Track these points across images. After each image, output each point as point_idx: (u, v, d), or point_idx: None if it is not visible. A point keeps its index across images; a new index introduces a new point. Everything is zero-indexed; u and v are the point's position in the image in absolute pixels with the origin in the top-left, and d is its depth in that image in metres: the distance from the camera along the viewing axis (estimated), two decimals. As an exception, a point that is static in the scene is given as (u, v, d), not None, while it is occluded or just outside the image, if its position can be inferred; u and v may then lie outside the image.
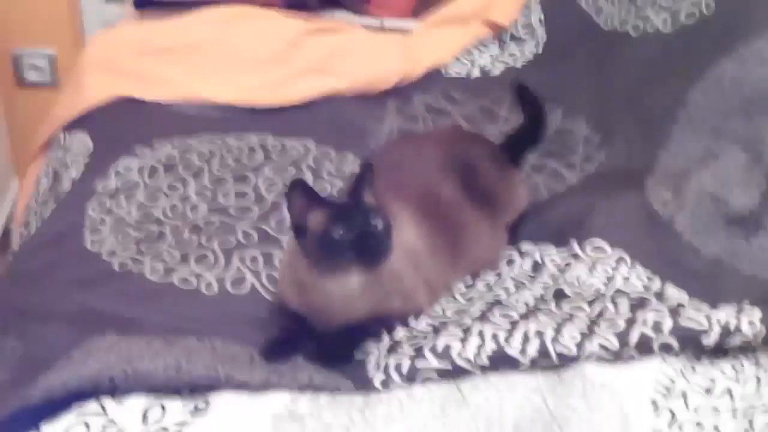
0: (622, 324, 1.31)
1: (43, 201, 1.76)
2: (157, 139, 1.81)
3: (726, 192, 1.58)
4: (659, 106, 1.69)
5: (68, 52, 2.29)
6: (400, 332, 1.34)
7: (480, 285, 1.45)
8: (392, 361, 1.27)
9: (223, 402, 1.19)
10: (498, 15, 2.17)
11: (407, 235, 1.35)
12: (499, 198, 1.55)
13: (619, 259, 1.49)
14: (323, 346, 1.32)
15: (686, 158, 1.64)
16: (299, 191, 1.26)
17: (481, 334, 1.30)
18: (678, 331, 1.30)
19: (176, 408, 1.17)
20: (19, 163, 2.29)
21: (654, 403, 1.22)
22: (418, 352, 1.28)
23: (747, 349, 1.31)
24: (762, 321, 1.31)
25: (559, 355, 1.27)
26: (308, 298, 1.31)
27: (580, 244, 1.52)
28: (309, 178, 1.73)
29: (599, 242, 1.51)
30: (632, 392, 1.24)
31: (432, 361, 1.27)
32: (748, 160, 1.60)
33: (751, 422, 1.21)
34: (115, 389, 1.18)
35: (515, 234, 1.56)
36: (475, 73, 2.08)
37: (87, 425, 1.14)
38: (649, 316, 1.32)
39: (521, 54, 2.11)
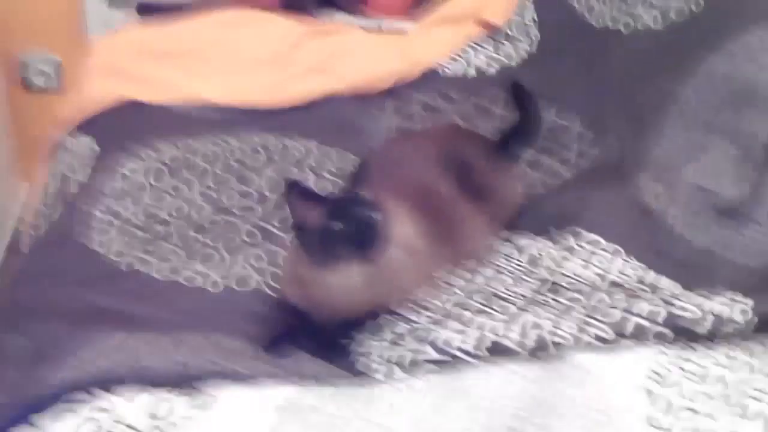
0: (617, 315, 1.34)
1: (51, 204, 1.78)
2: (162, 141, 1.83)
3: (716, 184, 1.60)
4: (651, 102, 1.71)
5: (73, 58, 2.31)
6: (402, 326, 1.36)
7: (479, 279, 1.48)
8: (394, 354, 1.31)
9: (229, 396, 1.21)
10: (492, 15, 2.18)
11: (405, 230, 1.38)
12: (495, 194, 1.57)
13: (615, 252, 1.51)
14: (322, 340, 1.35)
15: (677, 152, 1.66)
16: (296, 192, 1.29)
17: (480, 327, 1.33)
18: (672, 320, 1.33)
19: (182, 403, 1.20)
20: (27, 166, 2.31)
21: (648, 391, 1.25)
22: (419, 345, 1.32)
23: (739, 337, 1.33)
24: (754, 310, 1.33)
25: (557, 346, 1.30)
26: (309, 292, 1.33)
27: (575, 237, 1.55)
28: (310, 177, 1.75)
29: (594, 236, 1.54)
30: (627, 381, 1.26)
31: (432, 354, 1.30)
32: (738, 153, 1.62)
33: (744, 409, 1.24)
34: (123, 386, 1.20)
35: (512, 229, 1.58)
36: (471, 72, 2.10)
37: (95, 422, 1.16)
38: (643, 306, 1.35)
39: (516, 53, 2.12)
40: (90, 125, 1.91)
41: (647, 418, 1.22)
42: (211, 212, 1.66)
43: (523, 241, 1.55)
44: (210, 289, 1.49)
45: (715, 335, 1.33)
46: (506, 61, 2.11)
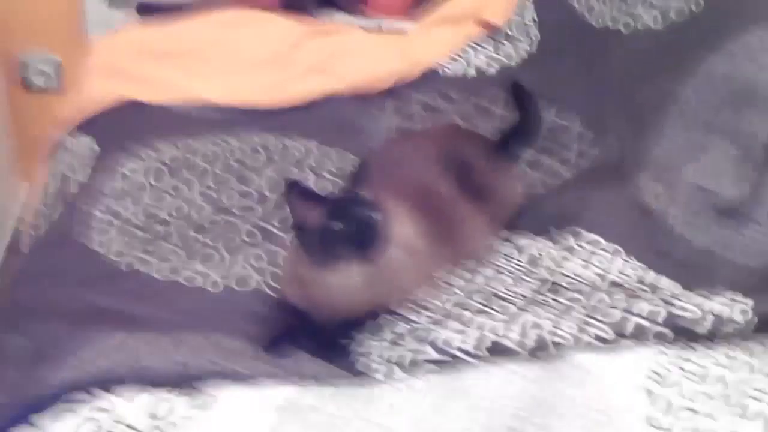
0: (617, 315, 1.34)
1: (51, 204, 1.78)
2: (162, 141, 1.83)
3: (716, 184, 1.60)
4: (651, 101, 1.71)
5: (73, 58, 2.31)
6: (402, 326, 1.37)
7: (479, 279, 1.48)
8: (394, 354, 1.31)
9: (229, 396, 1.22)
10: (492, 15, 2.19)
11: (405, 230, 1.38)
12: (495, 193, 1.57)
13: (614, 252, 1.51)
14: (322, 340, 1.35)
15: (677, 152, 1.66)
16: (296, 192, 1.29)
17: (480, 327, 1.33)
18: (672, 320, 1.33)
19: (182, 403, 1.20)
20: (27, 166, 2.31)
21: (648, 391, 1.25)
22: (419, 345, 1.32)
23: (739, 337, 1.34)
24: (754, 310, 1.34)
25: (557, 346, 1.30)
26: (309, 292, 1.34)
27: (575, 237, 1.55)
28: (310, 177, 1.76)
29: (594, 236, 1.54)
30: (627, 381, 1.26)
31: (432, 354, 1.30)
32: (738, 153, 1.63)
33: (744, 409, 1.24)
34: (123, 386, 1.20)
35: (512, 229, 1.58)
36: (471, 72, 2.10)
37: (95, 422, 1.16)
38: (643, 306, 1.35)
39: (516, 53, 2.12)
40: (90, 125, 1.91)
41: (647, 418, 1.22)
42: (211, 212, 1.66)
43: (523, 241, 1.55)
44: (210, 289, 1.50)
45: (715, 335, 1.33)
46: (506, 61, 2.11)
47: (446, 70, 2.10)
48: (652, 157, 1.67)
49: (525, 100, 1.78)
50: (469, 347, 1.30)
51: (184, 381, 1.22)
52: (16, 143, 2.64)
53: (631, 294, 1.40)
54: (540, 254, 1.52)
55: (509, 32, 2.17)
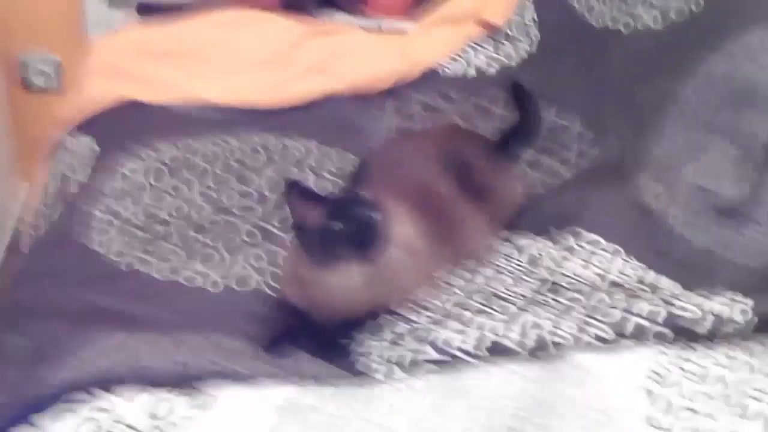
0: (617, 315, 1.34)
1: (51, 204, 1.78)
2: (162, 141, 1.83)
3: (716, 184, 1.61)
4: (651, 101, 1.71)
5: (73, 58, 2.31)
6: (402, 326, 1.37)
7: (479, 279, 1.48)
8: (394, 354, 1.31)
9: (229, 396, 1.22)
10: (492, 15, 2.19)
11: (405, 230, 1.38)
12: (495, 193, 1.57)
13: (615, 252, 1.52)
14: (322, 340, 1.35)
15: (677, 152, 1.66)
16: (296, 192, 1.29)
17: (480, 327, 1.34)
18: (672, 320, 1.33)
19: (183, 403, 1.20)
20: (27, 166, 2.32)
21: (648, 391, 1.25)
22: (419, 345, 1.32)
23: (739, 337, 1.34)
24: (754, 310, 1.34)
25: (557, 346, 1.30)
26: (309, 292, 1.34)
27: (575, 237, 1.55)
28: (310, 177, 1.76)
29: (594, 236, 1.55)
30: (627, 381, 1.27)
31: (432, 354, 1.30)
32: (738, 153, 1.63)
33: (744, 409, 1.24)
34: (123, 386, 1.20)
35: (512, 229, 1.58)
36: (471, 72, 2.10)
37: (95, 422, 1.17)
38: (643, 306, 1.35)
39: (516, 53, 2.13)
40: (90, 125, 1.92)
41: (647, 418, 1.22)
42: (211, 212, 1.66)
43: (523, 241, 1.56)
44: (210, 289, 1.50)
45: (715, 335, 1.33)
46: (506, 61, 2.12)
47: (446, 70, 2.11)
48: (652, 157, 1.67)
49: (525, 100, 1.78)
50: (469, 347, 1.30)
51: (184, 381, 1.22)
52: (16, 143, 2.64)
53: (631, 294, 1.40)
54: (540, 254, 1.52)
55: (509, 32, 2.17)
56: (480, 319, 1.36)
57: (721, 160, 1.63)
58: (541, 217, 1.59)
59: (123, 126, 1.89)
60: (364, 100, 2.00)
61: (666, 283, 1.44)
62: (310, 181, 1.74)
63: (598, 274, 1.46)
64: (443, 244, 1.44)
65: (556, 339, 1.31)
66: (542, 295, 1.42)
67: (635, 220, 1.58)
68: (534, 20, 2.17)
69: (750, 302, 1.35)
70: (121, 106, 1.94)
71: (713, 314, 1.34)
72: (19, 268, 1.64)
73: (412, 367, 1.29)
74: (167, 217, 1.65)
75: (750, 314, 1.33)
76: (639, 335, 1.32)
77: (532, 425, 1.20)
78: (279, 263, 1.52)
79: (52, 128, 2.01)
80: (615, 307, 1.35)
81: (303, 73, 2.03)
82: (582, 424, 1.20)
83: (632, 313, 1.34)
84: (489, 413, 1.22)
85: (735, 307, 1.34)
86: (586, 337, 1.31)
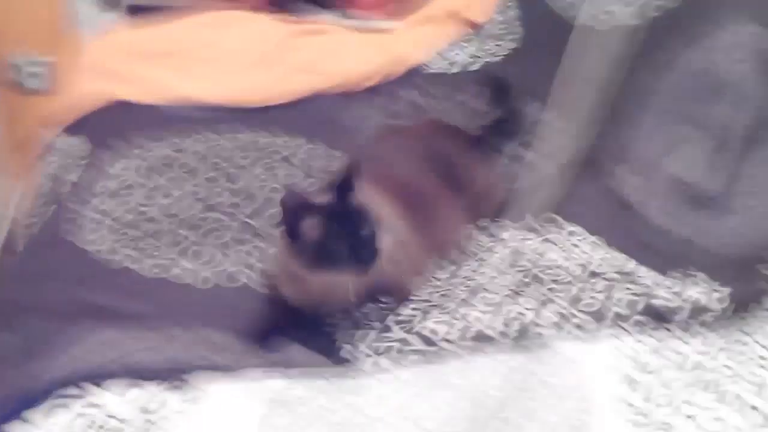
0: (598, 304, 1.37)
1: (44, 203, 1.79)
2: (152, 141, 1.85)
3: (693, 176, 1.63)
4: (629, 96, 1.74)
5: (65, 60, 2.32)
6: (389, 317, 1.39)
7: (463, 270, 1.50)
8: (381, 345, 1.34)
9: (219, 390, 1.24)
10: (475, 13, 2.21)
11: (395, 225, 1.39)
12: (478, 187, 1.59)
13: (595, 243, 1.54)
14: (312, 332, 1.37)
15: (655, 145, 1.69)
16: (292, 199, 1.29)
17: (464, 317, 1.36)
18: (651, 309, 1.36)
19: (174, 397, 1.22)
20: (20, 167, 2.32)
21: (629, 378, 1.28)
22: (406, 335, 1.35)
23: (717, 324, 1.37)
24: (731, 297, 1.36)
25: (539, 336, 1.33)
26: (303, 290, 1.34)
27: (557, 229, 1.57)
28: (298, 174, 1.78)
29: (575, 227, 1.57)
30: (608, 368, 1.29)
31: (418, 345, 1.33)
32: (715, 145, 1.66)
33: (722, 394, 1.27)
34: (114, 382, 1.22)
35: (494, 221, 1.60)
36: (455, 69, 2.13)
37: (88, 417, 1.19)
38: (623, 296, 1.38)
39: (499, 49, 2.15)
40: (81, 125, 1.93)
41: (628, 404, 1.25)
42: (200, 210, 1.68)
43: (506, 233, 1.58)
44: (200, 286, 1.52)
45: (694, 322, 1.36)
46: (489, 58, 2.14)
47: (430, 67, 2.13)
48: (630, 150, 1.70)
49: (507, 95, 1.81)
50: (453, 337, 1.33)
51: (174, 376, 1.24)
52: (9, 144, 2.64)
53: (611, 284, 1.42)
54: (522, 245, 1.54)
55: (492, 30, 2.19)
56: (464, 309, 1.38)
57: (698, 152, 1.66)
58: (524, 210, 1.61)
59: (113, 126, 1.90)
60: (350, 97, 2.01)
61: (645, 273, 1.46)
62: (298, 178, 1.76)
63: (580, 265, 1.49)
64: (427, 237, 1.46)
65: (538, 329, 1.34)
66: (525, 285, 1.44)
67: (615, 212, 1.61)
68: (516, 18, 2.19)
69: (727, 290, 1.37)
70: (112, 106, 1.95)
71: (691, 302, 1.36)
72: (11, 267, 1.65)
73: (398, 356, 1.31)
74: (157, 216, 1.66)
75: (727, 301, 1.36)
76: (619, 324, 1.34)
77: (515, 413, 1.22)
78: (268, 260, 1.54)
79: (45, 129, 2.02)
80: (595, 297, 1.38)
81: (290, 72, 2.05)
82: (564, 411, 1.23)
83: (612, 303, 1.37)
84: (473, 402, 1.24)
85: (712, 295, 1.37)
86: (567, 326, 1.34)
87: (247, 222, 1.65)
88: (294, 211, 1.28)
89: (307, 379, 1.28)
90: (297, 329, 1.38)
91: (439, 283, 1.47)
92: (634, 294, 1.38)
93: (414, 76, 2.09)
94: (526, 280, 1.45)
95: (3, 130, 2.18)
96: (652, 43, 1.74)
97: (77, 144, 1.88)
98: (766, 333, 1.36)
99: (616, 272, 1.46)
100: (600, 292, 1.40)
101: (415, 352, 1.32)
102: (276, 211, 1.62)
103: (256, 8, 2.25)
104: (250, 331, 1.37)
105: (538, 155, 1.68)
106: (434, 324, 1.36)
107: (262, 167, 1.79)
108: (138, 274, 1.53)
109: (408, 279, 1.44)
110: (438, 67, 2.13)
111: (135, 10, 2.37)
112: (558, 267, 1.48)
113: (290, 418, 1.22)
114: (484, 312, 1.37)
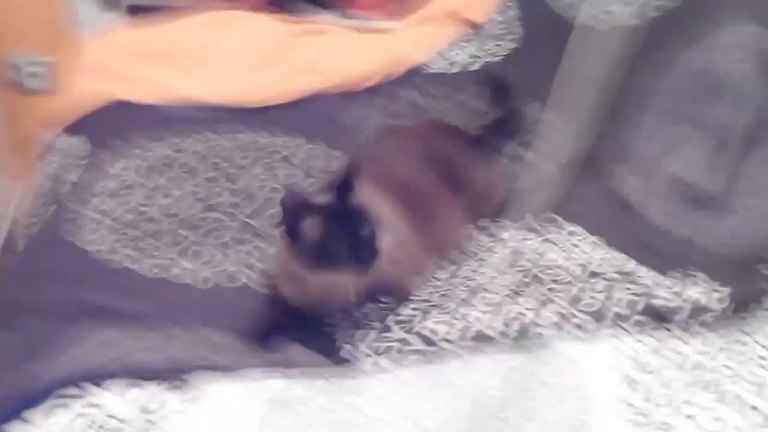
0: (598, 304, 1.37)
1: (44, 203, 1.79)
2: (152, 141, 1.85)
3: (693, 176, 1.63)
4: (630, 96, 1.74)
5: (65, 60, 2.32)
6: (389, 318, 1.39)
7: (463, 270, 1.50)
8: (381, 345, 1.34)
9: (219, 390, 1.24)
10: (475, 13, 2.22)
11: (395, 225, 1.39)
12: (478, 188, 1.59)
13: (595, 243, 1.54)
14: (312, 332, 1.37)
15: (655, 145, 1.69)
16: (292, 199, 1.29)
17: (464, 318, 1.36)
18: (651, 309, 1.36)
19: (174, 397, 1.22)
20: (20, 167, 2.32)
21: (629, 378, 1.28)
22: (406, 335, 1.35)
23: (717, 324, 1.37)
24: (731, 297, 1.36)
25: (539, 336, 1.33)
26: (303, 290, 1.34)
27: (557, 229, 1.57)
28: (298, 174, 1.78)
29: (575, 227, 1.57)
30: (608, 368, 1.30)
31: (418, 345, 1.33)
32: (715, 145, 1.66)
33: (722, 394, 1.27)
34: (114, 382, 1.22)
35: (494, 220, 1.60)
36: (455, 69, 2.13)
37: (88, 417, 1.19)
38: (623, 296, 1.38)
39: (499, 49, 2.15)
40: (81, 125, 1.93)
41: (628, 404, 1.25)
42: (200, 210, 1.68)
43: (506, 233, 1.58)
44: (200, 286, 1.52)
45: (693, 322, 1.36)
46: (489, 58, 2.14)
47: (430, 67, 2.13)
48: (630, 150, 1.70)
49: (507, 95, 1.81)
50: (453, 337, 1.33)
51: (174, 375, 1.24)
52: (9, 144, 2.64)
53: (611, 284, 1.43)
54: (522, 245, 1.54)
55: (492, 30, 2.19)
56: (464, 309, 1.38)
57: (698, 152, 1.66)
58: (524, 210, 1.61)
59: (113, 126, 1.90)
60: (350, 97, 2.02)
61: (645, 273, 1.46)
62: (298, 178, 1.76)
63: (580, 265, 1.49)
64: (427, 237, 1.46)
65: (538, 328, 1.34)
66: (525, 285, 1.44)
67: (615, 212, 1.61)
68: (516, 17, 2.19)
69: (727, 290, 1.37)
70: (112, 106, 1.96)
71: (691, 302, 1.37)
72: (11, 267, 1.65)
73: (398, 356, 1.31)
74: (157, 216, 1.66)
75: (727, 301, 1.36)
76: (619, 324, 1.34)
77: (515, 413, 1.22)
78: (268, 260, 1.54)
79: (45, 129, 2.02)
80: (595, 297, 1.38)
81: (290, 72, 2.05)
82: (564, 411, 1.23)
83: (612, 303, 1.37)
84: (473, 402, 1.24)
85: (712, 295, 1.37)
86: (567, 326, 1.34)
87: (247, 222, 1.65)
88: (294, 211, 1.28)
89: (307, 379, 1.28)
90: (297, 329, 1.38)
91: (439, 283, 1.47)
92: (634, 294, 1.38)
93: (414, 76, 2.09)
94: (526, 280, 1.45)
95: (3, 130, 2.18)
96: (652, 43, 1.75)
97: (77, 144, 1.88)
98: (766, 333, 1.36)
99: (616, 272, 1.46)
100: (600, 292, 1.40)
101: (415, 352, 1.32)
102: (276, 211, 1.62)
103: (256, 8, 2.26)
104: (250, 331, 1.37)
105: (538, 155, 1.68)
106: (434, 324, 1.36)
107: (262, 167, 1.79)
108: (138, 274, 1.53)
109: (408, 279, 1.44)
110: (438, 67, 2.13)
111: (135, 10, 2.37)
112: (558, 267, 1.48)
113: (290, 418, 1.22)
114: (484, 312, 1.37)
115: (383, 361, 1.31)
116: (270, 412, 1.22)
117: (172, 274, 1.53)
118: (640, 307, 1.36)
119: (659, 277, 1.44)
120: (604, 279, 1.44)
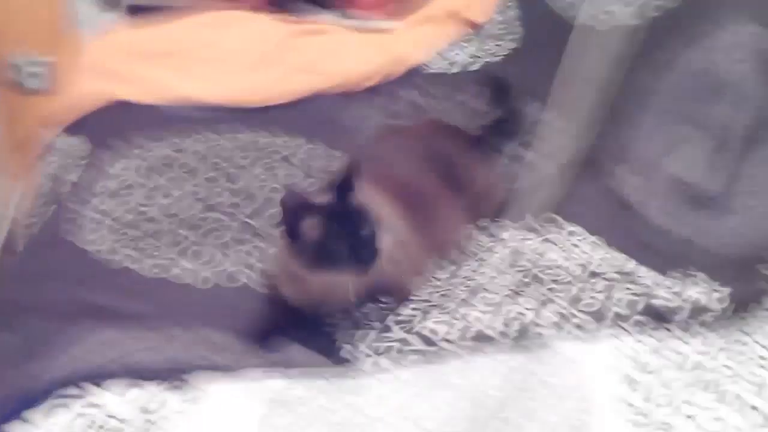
0: (598, 304, 1.37)
1: (44, 203, 1.80)
2: (152, 141, 1.85)
3: (693, 176, 1.63)
4: (630, 96, 1.74)
5: (65, 60, 2.32)
6: (389, 318, 1.39)
7: (463, 270, 1.50)
8: (381, 345, 1.34)
9: (219, 390, 1.24)
10: (476, 13, 2.22)
11: (395, 225, 1.39)
12: (478, 188, 1.59)
13: (595, 243, 1.54)
14: (312, 332, 1.37)
15: (655, 145, 1.69)
16: (292, 199, 1.29)
17: (464, 317, 1.36)
18: (651, 309, 1.36)
19: (174, 397, 1.22)
20: (20, 167, 2.32)
21: (629, 378, 1.28)
22: (406, 335, 1.35)
23: (716, 324, 1.37)
24: (731, 297, 1.36)
25: (539, 336, 1.33)
26: (303, 290, 1.35)
27: (557, 229, 1.57)
28: (298, 174, 1.78)
29: (575, 227, 1.57)
30: (608, 368, 1.30)
31: (418, 345, 1.33)
32: (715, 145, 1.66)
33: (722, 394, 1.27)
34: (114, 382, 1.22)
35: (494, 220, 1.60)
36: (455, 69, 2.13)
37: (88, 417, 1.19)
38: (623, 296, 1.38)
39: (499, 49, 2.15)
40: (81, 125, 1.93)
41: (628, 404, 1.25)
42: (200, 210, 1.68)
43: (506, 233, 1.58)
44: (200, 286, 1.52)
45: (693, 322, 1.36)
46: (489, 58, 2.14)
47: (430, 67, 2.13)
48: (630, 150, 1.70)
49: (507, 95, 1.81)
50: (453, 337, 1.33)
51: (174, 377, 1.24)
52: (9, 144, 2.64)
53: (611, 284, 1.43)
54: (522, 245, 1.54)
55: (492, 30, 2.19)
56: (464, 309, 1.38)
57: (698, 152, 1.66)
58: (524, 210, 1.61)
59: (113, 126, 1.90)
60: (350, 97, 2.02)
61: (645, 273, 1.47)
62: (298, 178, 1.76)
63: (580, 265, 1.49)
64: (427, 237, 1.46)
65: (538, 328, 1.34)
66: (525, 285, 1.44)
67: (615, 212, 1.61)
68: (516, 18, 2.20)
69: (727, 290, 1.38)
70: (112, 106, 1.96)
71: (691, 302, 1.37)
72: (11, 267, 1.65)
73: (398, 356, 1.31)
74: (157, 216, 1.66)
75: (727, 301, 1.36)
76: (619, 324, 1.34)
77: (515, 413, 1.22)
78: (267, 260, 1.54)
79: (45, 129, 2.02)
80: (595, 297, 1.38)
81: (290, 72, 2.05)
82: (564, 411, 1.23)
83: (612, 303, 1.37)
84: (473, 402, 1.24)
85: (712, 295, 1.37)
86: (567, 326, 1.34)
87: (247, 222, 1.65)
88: (294, 211, 1.28)
89: (307, 379, 1.28)
90: (297, 329, 1.38)
91: (439, 283, 1.47)
92: (634, 294, 1.38)
93: (414, 76, 2.09)
94: (526, 280, 1.45)
95: (3, 130, 2.18)
96: (652, 43, 1.75)
97: (77, 144, 1.88)
98: (766, 333, 1.36)
99: (616, 272, 1.46)
100: (600, 292, 1.40)
101: (415, 352, 1.32)
102: (276, 211, 1.62)
103: (256, 8, 2.26)
104: (250, 331, 1.37)
105: (538, 155, 1.68)
106: (434, 324, 1.36)
107: (262, 167, 1.79)
108: (138, 274, 1.53)
109: (408, 279, 1.44)
110: (438, 67, 2.13)
111: (135, 10, 2.37)
112: (558, 267, 1.48)
113: (290, 418, 1.22)
114: (484, 312, 1.38)
115: (383, 361, 1.31)
116: (270, 412, 1.22)
117: (172, 274, 1.53)
118: (640, 307, 1.36)
119: (659, 277, 1.44)
120: (604, 279, 1.44)
